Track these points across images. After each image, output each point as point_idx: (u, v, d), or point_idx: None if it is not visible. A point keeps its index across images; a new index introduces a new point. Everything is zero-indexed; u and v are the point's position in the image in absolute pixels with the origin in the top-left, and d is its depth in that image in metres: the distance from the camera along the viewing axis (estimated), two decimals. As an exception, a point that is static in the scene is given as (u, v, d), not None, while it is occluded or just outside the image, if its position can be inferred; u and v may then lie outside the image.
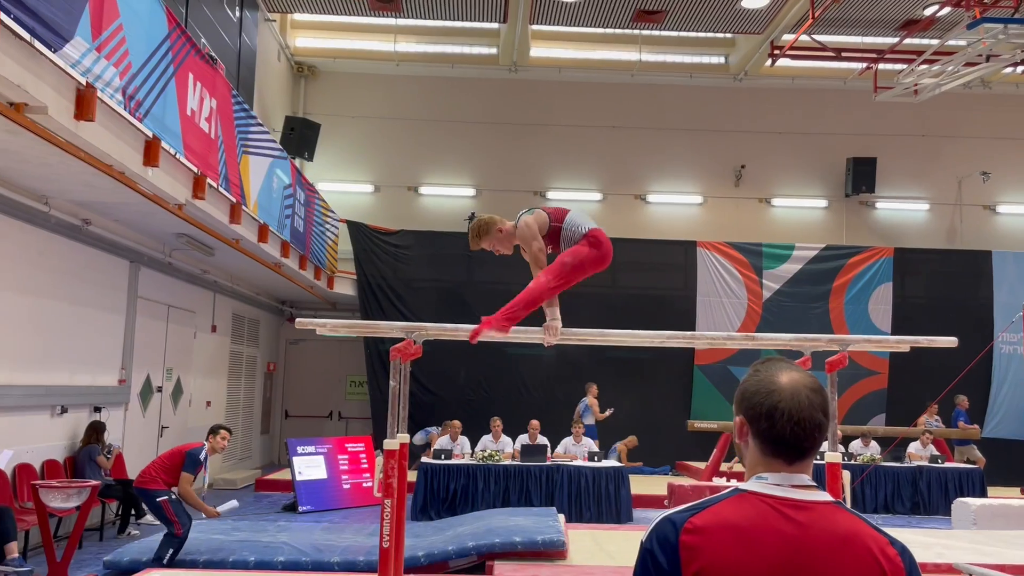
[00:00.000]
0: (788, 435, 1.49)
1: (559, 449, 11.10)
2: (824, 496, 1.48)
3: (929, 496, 11.21)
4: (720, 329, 13.94)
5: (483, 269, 14.12)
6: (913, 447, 12.00)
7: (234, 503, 7.24)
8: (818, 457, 7.90)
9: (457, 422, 11.47)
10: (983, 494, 10.95)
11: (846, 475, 4.71)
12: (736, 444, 1.59)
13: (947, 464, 11.65)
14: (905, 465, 11.47)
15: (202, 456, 6.88)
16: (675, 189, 16.60)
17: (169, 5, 7.13)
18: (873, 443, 12.03)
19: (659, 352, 13.06)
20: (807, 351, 4.94)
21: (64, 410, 8.09)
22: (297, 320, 4.94)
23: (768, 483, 1.49)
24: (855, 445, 12.03)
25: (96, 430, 8.32)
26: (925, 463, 11.51)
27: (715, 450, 11.72)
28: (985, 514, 9.07)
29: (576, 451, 10.96)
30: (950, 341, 4.89)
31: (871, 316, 14.58)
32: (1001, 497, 10.46)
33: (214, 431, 7.19)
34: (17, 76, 4.75)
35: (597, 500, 9.97)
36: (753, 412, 1.53)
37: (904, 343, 5.06)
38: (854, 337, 5.15)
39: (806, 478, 1.50)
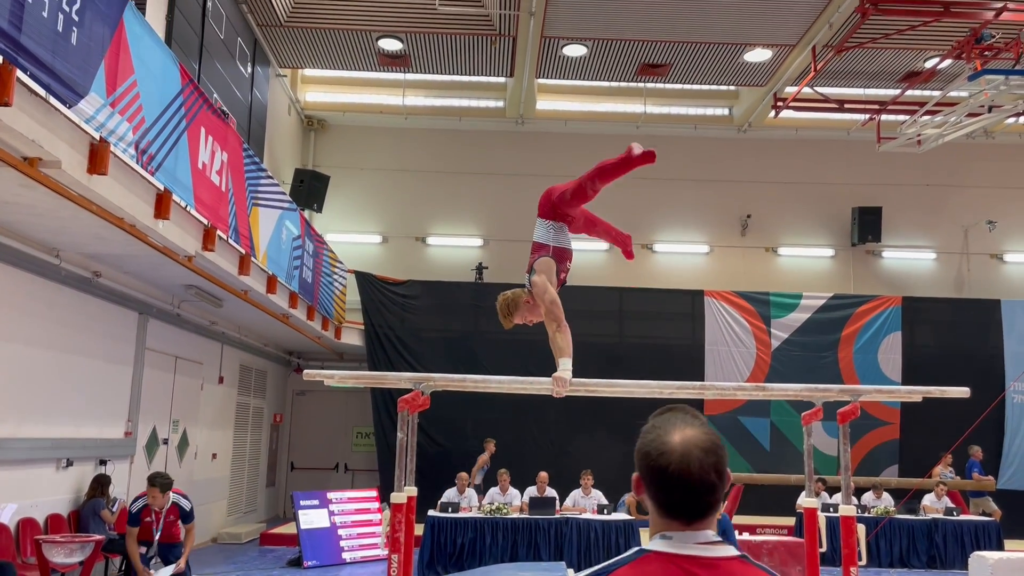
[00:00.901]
0: (677, 499, 1.47)
1: (568, 502, 10.96)
2: (730, 551, 1.46)
3: (945, 549, 10.99)
4: (729, 379, 13.85)
5: (491, 320, 13.98)
6: (928, 499, 11.81)
7: (167, 570, 6.87)
8: (832, 511, 7.78)
9: (464, 474, 11.35)
10: (1000, 547, 10.73)
11: (861, 528, 4.62)
12: (639, 498, 1.56)
13: (963, 516, 11.45)
14: (920, 518, 11.27)
15: (134, 509, 6.62)
16: (682, 238, 16.66)
17: (183, 61, 7.27)
18: (886, 495, 11.85)
19: (668, 401, 12.95)
20: (818, 401, 4.90)
21: (69, 463, 8.03)
22: (305, 372, 4.93)
23: (672, 542, 1.46)
24: (867, 497, 11.85)
25: (101, 483, 8.25)
26: (940, 515, 11.31)
27: (726, 501, 11.55)
28: (1003, 568, 8.87)
29: (585, 504, 10.81)
30: (962, 391, 4.84)
31: (881, 366, 14.48)
32: (1018, 551, 10.25)
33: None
34: (32, 132, 4.83)
35: (607, 554, 9.80)
36: (645, 473, 1.51)
37: (916, 393, 5.03)
38: (866, 388, 5.11)
39: (710, 534, 1.48)
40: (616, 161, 4.52)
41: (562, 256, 4.68)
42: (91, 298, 8.24)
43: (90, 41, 5.20)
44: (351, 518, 10.87)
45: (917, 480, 12.36)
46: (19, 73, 4.54)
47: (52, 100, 4.96)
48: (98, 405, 8.56)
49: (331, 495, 10.94)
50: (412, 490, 4.67)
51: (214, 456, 12.09)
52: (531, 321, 4.67)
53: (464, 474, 11.32)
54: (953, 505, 11.66)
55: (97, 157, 5.49)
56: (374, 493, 11.61)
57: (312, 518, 10.46)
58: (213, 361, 11.94)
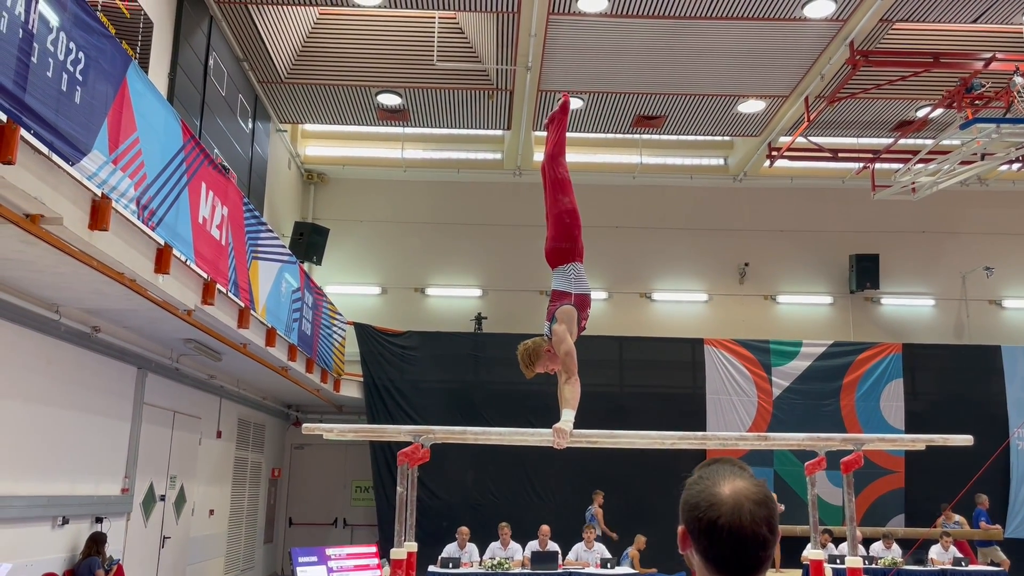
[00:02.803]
0: (729, 554, 1.41)
1: (570, 556, 10.79)
2: None
3: (955, 601, 10.81)
4: (731, 428, 13.76)
5: (490, 370, 14.07)
6: (934, 551, 11.62)
7: None
8: (839, 562, 7.62)
9: (465, 528, 11.19)
10: (1011, 598, 10.56)
11: (868, 581, 4.56)
12: (683, 554, 1.50)
13: (971, 567, 11.26)
14: (928, 568, 11.09)
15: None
16: (680, 287, 16.68)
17: (184, 118, 7.37)
18: (895, 545, 11.68)
19: (670, 450, 12.84)
20: (821, 451, 4.86)
21: (65, 521, 7.92)
22: (304, 425, 4.90)
23: None
24: (876, 548, 11.67)
25: (97, 542, 8.13)
26: (949, 566, 11.13)
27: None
28: (1015, 620, 8.72)
29: (588, 558, 10.65)
30: (965, 439, 4.81)
31: (883, 413, 14.38)
32: (1030, 601, 10.08)
33: None
34: (34, 189, 4.87)
35: (611, 609, 9.63)
36: (693, 526, 1.44)
37: (919, 442, 4.99)
38: (869, 436, 5.08)
39: None
40: (552, 135, 4.84)
41: (583, 303, 4.69)
42: (90, 353, 8.22)
43: (93, 100, 5.27)
44: (350, 575, 10.68)
45: (924, 530, 12.19)
46: (22, 131, 4.59)
47: (55, 158, 5.01)
48: (95, 462, 8.47)
49: (330, 551, 10.78)
50: (412, 545, 4.61)
51: (211, 512, 11.93)
52: (552, 370, 4.66)
53: (465, 528, 11.16)
54: (961, 555, 11.49)
55: (99, 213, 5.53)
56: (373, 549, 11.44)
57: (311, 575, 10.28)
58: (211, 415, 11.85)
